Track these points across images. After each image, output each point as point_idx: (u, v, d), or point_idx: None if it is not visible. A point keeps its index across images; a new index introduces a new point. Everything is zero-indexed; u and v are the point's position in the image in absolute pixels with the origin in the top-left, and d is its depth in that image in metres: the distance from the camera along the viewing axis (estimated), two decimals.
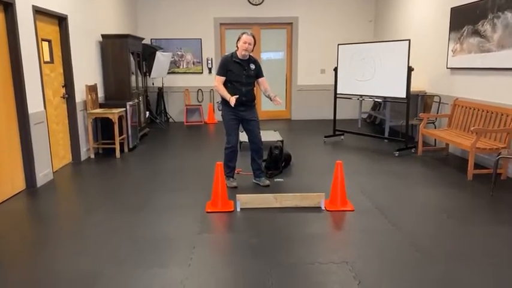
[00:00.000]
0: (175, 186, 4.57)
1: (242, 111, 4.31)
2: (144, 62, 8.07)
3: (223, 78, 4.27)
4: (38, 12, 4.69)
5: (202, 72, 9.25)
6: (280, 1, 8.98)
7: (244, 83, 4.26)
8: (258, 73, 4.39)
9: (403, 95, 5.82)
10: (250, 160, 4.54)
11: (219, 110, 4.44)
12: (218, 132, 8.05)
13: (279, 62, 9.40)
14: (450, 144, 5.74)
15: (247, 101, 4.32)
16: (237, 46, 4.24)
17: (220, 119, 9.18)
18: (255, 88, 4.42)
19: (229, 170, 4.47)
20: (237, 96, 4.17)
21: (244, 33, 4.20)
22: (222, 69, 4.26)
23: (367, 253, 2.95)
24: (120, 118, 6.04)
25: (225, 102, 4.28)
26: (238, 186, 4.39)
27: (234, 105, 4.16)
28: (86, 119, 5.85)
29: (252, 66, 4.31)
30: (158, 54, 7.88)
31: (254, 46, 4.24)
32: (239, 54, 4.23)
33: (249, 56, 4.29)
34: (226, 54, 4.38)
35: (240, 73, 4.24)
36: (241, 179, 4.64)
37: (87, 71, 6.04)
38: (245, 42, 4.14)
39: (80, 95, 5.72)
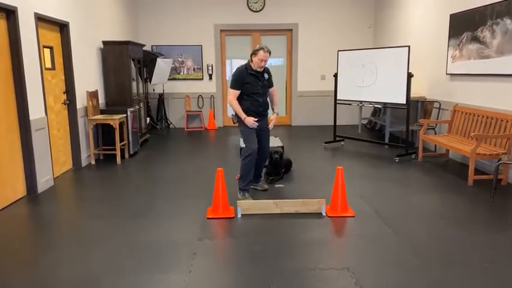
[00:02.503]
0: (176, 192, 4.57)
1: (259, 121, 4.21)
2: (144, 69, 8.09)
3: (238, 92, 4.13)
4: (40, 19, 4.72)
5: (202, 79, 9.28)
6: (280, 8, 9.04)
7: (261, 94, 4.19)
8: (270, 83, 4.34)
9: (403, 101, 5.84)
10: None
11: (234, 122, 4.31)
12: (219, 138, 8.07)
13: (279, 68, 9.44)
14: (450, 150, 5.75)
15: (264, 111, 4.27)
16: (251, 59, 4.11)
17: (221, 125, 9.34)
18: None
19: (247, 182, 4.22)
20: (254, 119, 4.11)
21: (261, 48, 4.03)
22: (238, 83, 4.12)
23: (368, 259, 2.95)
24: (121, 124, 6.06)
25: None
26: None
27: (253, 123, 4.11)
28: (86, 125, 5.86)
29: (266, 76, 4.25)
30: (159, 60, 7.91)
31: None
32: (253, 67, 4.12)
33: None
34: (240, 66, 4.20)
35: (256, 84, 4.15)
36: None
37: (88, 77, 6.07)
38: (262, 60, 4.03)
39: (81, 101, 5.74)
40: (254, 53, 4.08)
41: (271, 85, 4.38)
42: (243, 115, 4.13)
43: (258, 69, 4.13)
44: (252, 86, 4.13)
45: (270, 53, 4.10)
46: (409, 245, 3.15)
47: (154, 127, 8.73)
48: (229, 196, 3.92)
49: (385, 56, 6.07)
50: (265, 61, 4.08)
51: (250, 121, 4.10)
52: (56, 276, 2.74)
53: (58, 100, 5.29)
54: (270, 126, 4.34)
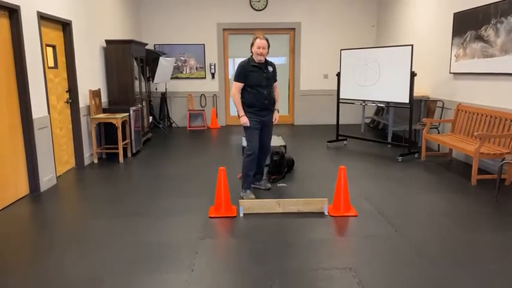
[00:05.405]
0: (178, 191, 4.57)
1: (265, 115, 4.24)
2: (147, 67, 8.10)
3: (241, 85, 4.16)
4: (43, 18, 4.73)
5: (205, 78, 9.28)
6: (283, 7, 9.02)
7: (265, 86, 4.19)
8: (274, 77, 4.34)
9: (406, 100, 5.82)
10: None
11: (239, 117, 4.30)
12: (221, 137, 8.06)
13: (281, 67, 9.41)
14: (453, 150, 5.72)
15: (270, 104, 4.25)
16: (251, 51, 4.17)
17: (223, 124, 9.34)
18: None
19: (249, 180, 4.29)
20: (248, 120, 4.13)
21: (257, 37, 4.11)
22: (241, 75, 4.15)
23: (371, 259, 2.94)
24: (123, 123, 6.06)
25: (248, 109, 4.18)
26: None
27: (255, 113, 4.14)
28: (89, 124, 5.87)
29: (270, 69, 4.26)
30: (161, 59, 7.91)
31: (268, 49, 4.17)
32: (255, 59, 4.16)
33: (265, 59, 4.23)
34: (243, 60, 4.24)
35: (260, 76, 4.15)
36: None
37: (91, 76, 6.07)
38: (259, 47, 4.08)
39: (83, 100, 5.75)
40: (252, 44, 4.14)
41: (274, 79, 4.34)
42: (241, 112, 4.17)
43: (260, 58, 4.14)
44: (256, 77, 4.14)
45: (267, 41, 4.13)
46: (412, 245, 3.14)
47: (156, 126, 8.73)
48: (231, 195, 3.92)
49: (388, 55, 6.04)
50: (263, 48, 4.09)
51: (244, 120, 4.15)
52: (59, 276, 2.74)
53: (61, 99, 5.30)
54: (276, 118, 4.32)
